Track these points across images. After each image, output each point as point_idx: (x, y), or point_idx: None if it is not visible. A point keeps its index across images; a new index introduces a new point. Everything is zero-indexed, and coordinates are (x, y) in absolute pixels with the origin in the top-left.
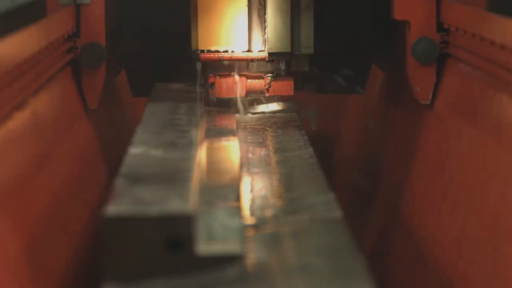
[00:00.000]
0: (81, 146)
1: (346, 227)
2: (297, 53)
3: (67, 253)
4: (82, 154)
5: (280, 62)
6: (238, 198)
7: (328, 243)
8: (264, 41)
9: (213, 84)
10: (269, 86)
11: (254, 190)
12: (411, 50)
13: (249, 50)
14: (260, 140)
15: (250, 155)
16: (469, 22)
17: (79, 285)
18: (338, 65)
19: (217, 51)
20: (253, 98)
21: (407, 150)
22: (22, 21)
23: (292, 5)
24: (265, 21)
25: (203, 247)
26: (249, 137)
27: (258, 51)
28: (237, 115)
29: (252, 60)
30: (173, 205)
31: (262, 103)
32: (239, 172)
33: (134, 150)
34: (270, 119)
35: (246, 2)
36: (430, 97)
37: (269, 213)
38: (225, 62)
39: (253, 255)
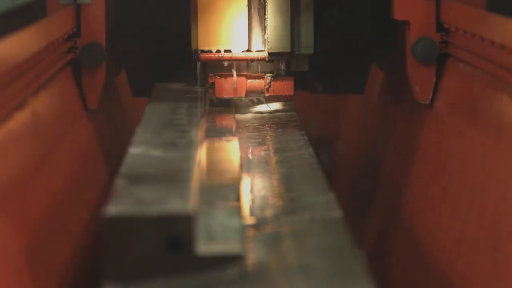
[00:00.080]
0: (81, 146)
1: (346, 227)
2: (297, 53)
3: (67, 253)
4: (82, 154)
5: (280, 62)
6: (238, 198)
7: (328, 243)
8: (264, 41)
9: (213, 84)
10: (269, 86)
11: (254, 190)
12: (411, 50)
13: (249, 50)
14: (260, 140)
15: (250, 155)
16: (469, 22)
17: (79, 285)
18: (338, 65)
19: (217, 51)
20: (253, 98)
21: (407, 150)
22: (22, 21)
23: (292, 5)
24: (265, 21)
25: (203, 247)
26: (249, 137)
27: (258, 51)
28: (237, 115)
29: (252, 60)
30: (173, 205)
31: (262, 103)
32: (239, 172)
33: (134, 150)
34: (270, 119)
35: (246, 2)
36: (430, 97)
37: (269, 213)
38: (225, 62)
39: (253, 255)
